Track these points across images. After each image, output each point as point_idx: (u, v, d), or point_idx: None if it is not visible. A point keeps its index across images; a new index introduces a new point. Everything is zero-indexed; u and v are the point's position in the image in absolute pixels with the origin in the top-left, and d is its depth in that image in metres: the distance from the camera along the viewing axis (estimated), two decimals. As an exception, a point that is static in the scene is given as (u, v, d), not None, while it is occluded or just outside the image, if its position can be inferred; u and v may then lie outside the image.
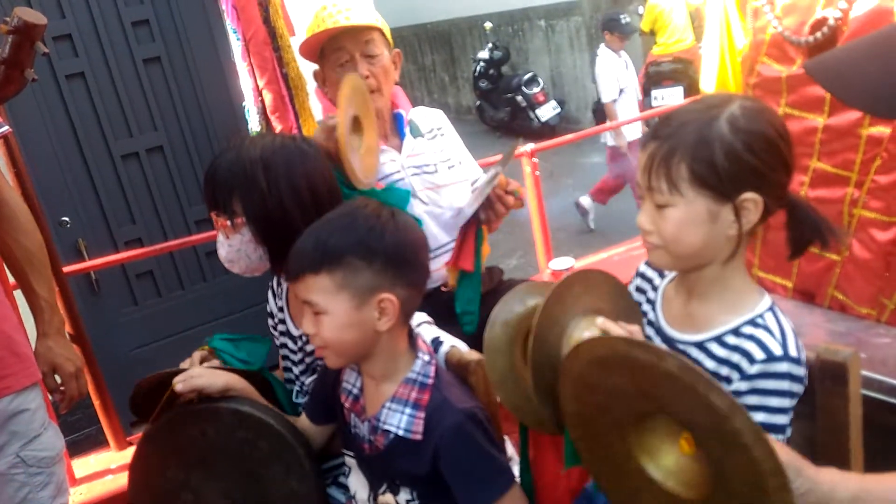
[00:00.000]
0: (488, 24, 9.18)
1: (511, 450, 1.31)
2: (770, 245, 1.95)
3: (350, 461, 1.28)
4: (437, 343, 1.29)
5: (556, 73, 8.89)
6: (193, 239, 2.96)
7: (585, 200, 5.41)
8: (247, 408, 1.28)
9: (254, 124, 2.78)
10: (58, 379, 1.56)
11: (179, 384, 1.24)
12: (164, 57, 3.24)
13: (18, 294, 1.67)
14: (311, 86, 2.62)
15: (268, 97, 2.71)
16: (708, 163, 0.96)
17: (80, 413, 3.15)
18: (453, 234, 1.81)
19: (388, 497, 1.19)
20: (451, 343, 1.30)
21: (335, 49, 1.73)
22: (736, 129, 0.96)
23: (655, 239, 1.03)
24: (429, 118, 1.90)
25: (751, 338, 1.00)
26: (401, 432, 1.14)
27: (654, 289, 1.18)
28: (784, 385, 0.97)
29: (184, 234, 3.29)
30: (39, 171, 2.93)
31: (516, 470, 1.22)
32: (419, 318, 1.35)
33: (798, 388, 0.99)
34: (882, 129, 1.68)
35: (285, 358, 1.51)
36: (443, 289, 1.80)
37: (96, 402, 2.27)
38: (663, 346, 0.88)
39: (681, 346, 1.08)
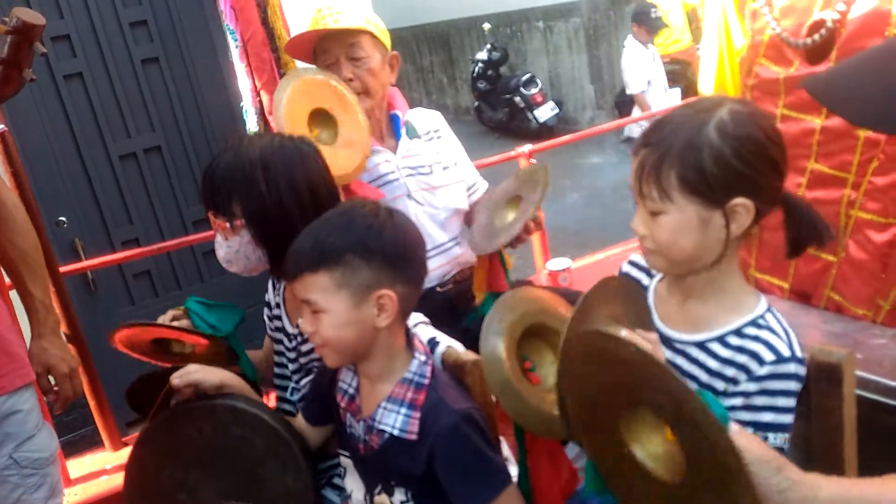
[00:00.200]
0: (487, 25, 9.19)
1: (507, 451, 1.31)
2: (766, 246, 1.94)
3: (346, 462, 1.28)
4: (433, 343, 1.29)
5: (555, 74, 8.90)
6: (191, 239, 2.95)
7: None
8: (242, 404, 1.28)
9: (251, 125, 2.78)
10: (52, 380, 1.56)
11: (176, 379, 1.25)
12: (163, 57, 3.24)
13: (15, 294, 1.66)
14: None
15: (265, 98, 2.71)
16: (697, 170, 0.96)
17: (75, 413, 3.14)
18: (449, 233, 1.82)
19: (383, 497, 1.19)
20: (448, 343, 1.30)
21: (322, 51, 1.77)
22: (724, 135, 0.96)
23: (650, 244, 1.04)
24: (426, 120, 1.90)
25: (756, 339, 1.01)
26: (396, 432, 1.14)
27: (644, 289, 1.18)
28: (792, 385, 0.99)
29: (181, 234, 3.29)
30: (37, 171, 2.94)
31: (512, 471, 1.21)
32: (416, 318, 1.35)
33: (800, 386, 1.00)
34: (879, 131, 1.68)
35: (279, 354, 1.52)
36: (438, 289, 1.80)
37: (91, 403, 2.27)
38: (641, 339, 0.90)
39: (679, 346, 1.08)
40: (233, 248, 1.39)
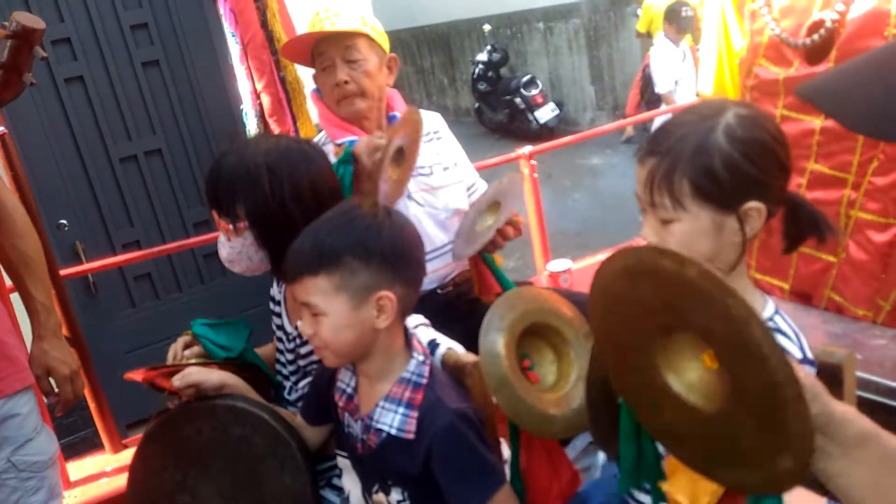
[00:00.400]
0: (487, 27, 9.19)
1: (506, 452, 1.31)
2: (767, 247, 1.95)
3: (343, 462, 1.28)
4: (433, 345, 1.29)
5: (555, 75, 8.90)
6: (191, 241, 2.95)
7: None
8: (241, 404, 1.28)
9: (251, 127, 2.79)
10: (53, 382, 1.56)
11: (177, 381, 1.25)
12: (163, 60, 3.25)
13: (16, 297, 1.66)
14: (308, 89, 2.63)
15: (265, 100, 2.72)
16: (709, 176, 0.96)
17: (75, 415, 3.15)
18: (449, 234, 1.82)
19: (381, 497, 1.19)
20: (448, 345, 1.30)
21: (319, 54, 1.77)
22: (733, 140, 0.95)
23: None
24: (426, 121, 1.90)
25: None
26: (393, 431, 1.14)
27: None
28: None
29: (182, 236, 3.29)
30: (38, 174, 2.94)
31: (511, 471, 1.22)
32: (415, 320, 1.35)
33: None
34: (879, 131, 1.68)
35: (279, 352, 1.53)
36: (439, 291, 1.80)
37: (92, 405, 2.27)
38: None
39: None
40: (235, 248, 1.39)
